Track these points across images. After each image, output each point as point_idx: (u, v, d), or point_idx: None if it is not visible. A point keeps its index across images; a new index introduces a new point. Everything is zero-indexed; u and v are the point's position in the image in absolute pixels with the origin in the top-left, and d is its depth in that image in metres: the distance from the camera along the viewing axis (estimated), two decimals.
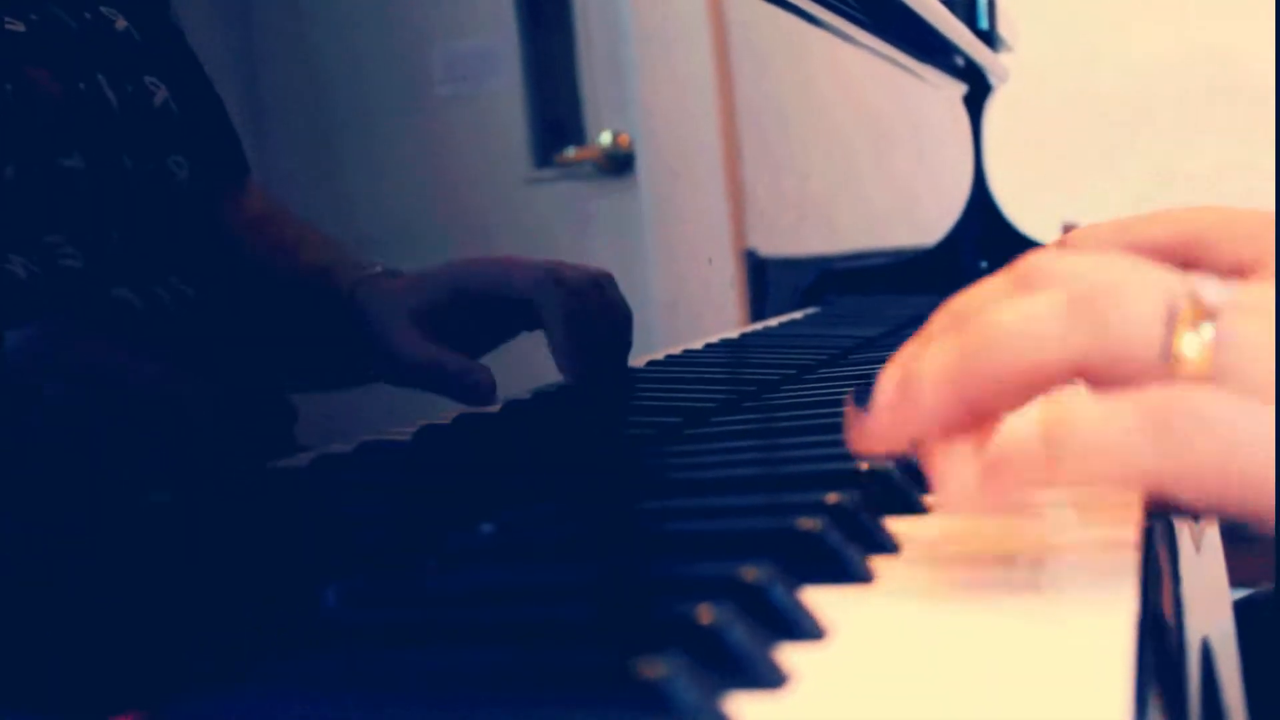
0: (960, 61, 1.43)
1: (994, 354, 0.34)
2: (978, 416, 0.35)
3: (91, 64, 0.41)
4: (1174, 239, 0.55)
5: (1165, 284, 0.34)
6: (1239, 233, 0.59)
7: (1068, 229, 2.07)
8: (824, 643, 0.31)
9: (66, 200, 0.39)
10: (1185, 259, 0.61)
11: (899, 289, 1.28)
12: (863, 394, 0.37)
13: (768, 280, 0.93)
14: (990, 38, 1.45)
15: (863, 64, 1.18)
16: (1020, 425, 0.34)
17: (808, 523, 0.37)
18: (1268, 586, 0.79)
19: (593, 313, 0.61)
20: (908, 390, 0.35)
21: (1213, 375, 0.32)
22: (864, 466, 0.45)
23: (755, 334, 0.88)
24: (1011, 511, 0.34)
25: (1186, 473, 0.32)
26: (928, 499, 0.45)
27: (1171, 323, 0.33)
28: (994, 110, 1.53)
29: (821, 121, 1.10)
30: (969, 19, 1.41)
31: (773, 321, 0.92)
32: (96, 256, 0.39)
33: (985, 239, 1.49)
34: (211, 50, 0.45)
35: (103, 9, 0.43)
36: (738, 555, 0.34)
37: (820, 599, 0.34)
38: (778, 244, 0.96)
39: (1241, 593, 0.79)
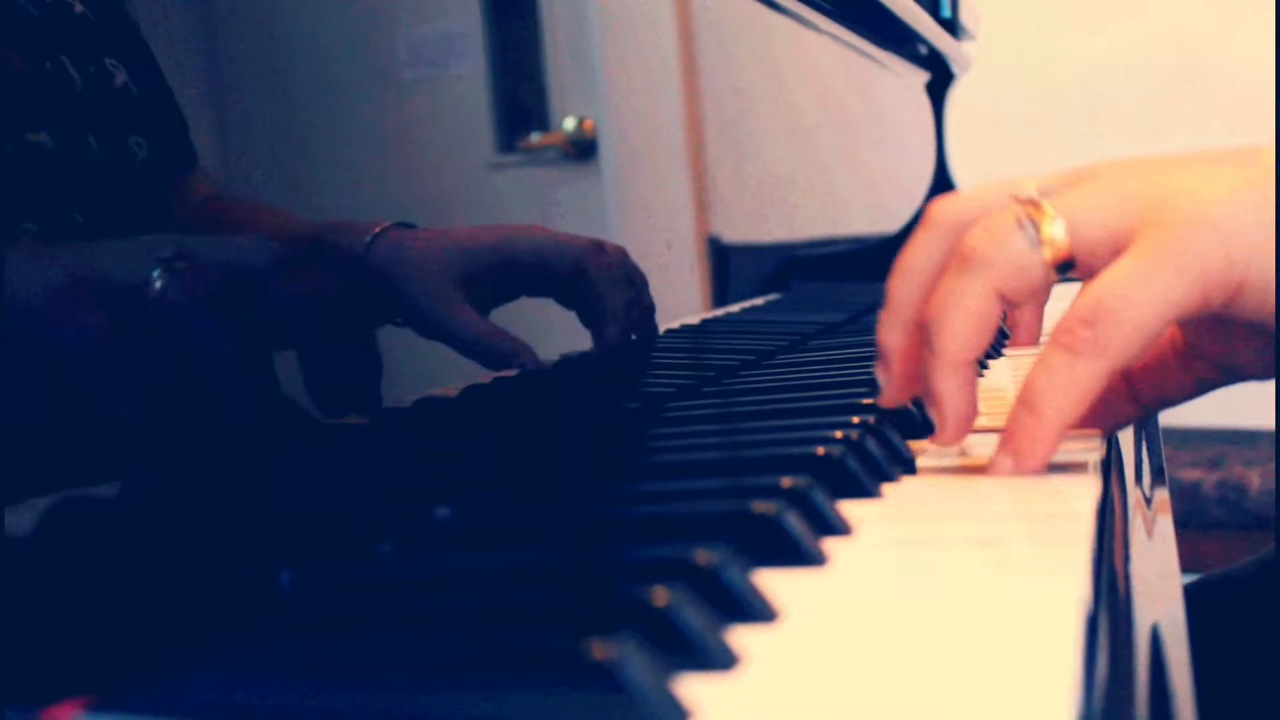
0: (923, 50, 1.43)
1: (940, 334, 0.47)
2: None
3: (54, 45, 0.42)
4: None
5: (1009, 203, 0.46)
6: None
7: None
8: (776, 624, 0.32)
9: (36, 178, 0.39)
10: None
11: (861, 275, 1.28)
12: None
13: (730, 266, 0.94)
14: (953, 26, 1.45)
15: (826, 51, 1.18)
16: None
17: (762, 506, 0.37)
18: (1218, 570, 0.80)
19: (630, 282, 0.66)
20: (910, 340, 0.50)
21: (1072, 233, 0.45)
22: (820, 451, 0.45)
23: (717, 320, 0.88)
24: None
25: (1108, 352, 0.43)
26: (883, 484, 0.45)
27: (1024, 224, 0.46)
28: (956, 98, 1.54)
29: (785, 109, 1.10)
30: (932, 7, 1.41)
31: (734, 307, 0.93)
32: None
33: None
34: (174, 35, 0.45)
35: None
36: (694, 538, 0.34)
37: (774, 581, 0.34)
38: (741, 230, 0.97)
39: (1191, 578, 0.80)
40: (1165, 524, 0.56)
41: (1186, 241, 0.43)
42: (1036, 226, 0.46)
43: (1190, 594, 0.66)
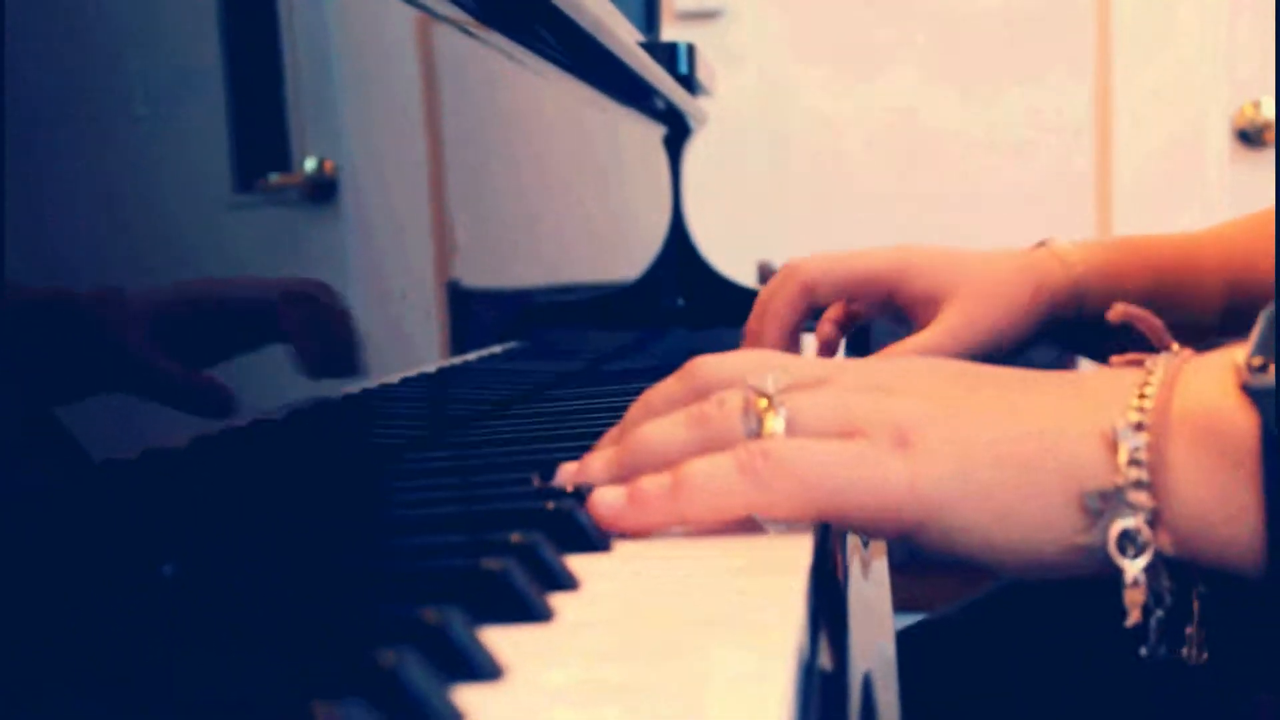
0: (660, 104, 1.47)
1: (642, 454, 0.49)
2: None
3: None
4: (879, 271, 0.81)
5: (745, 389, 0.49)
6: (932, 267, 0.81)
7: (763, 268, 2.13)
8: (500, 682, 0.32)
9: None
10: (889, 288, 0.79)
11: (601, 324, 1.30)
12: (548, 471, 0.53)
13: (471, 313, 0.94)
14: (690, 83, 1.49)
15: (566, 104, 1.20)
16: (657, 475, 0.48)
17: (492, 563, 0.38)
18: (941, 611, 0.84)
19: (324, 318, 0.66)
20: (583, 468, 0.51)
21: (789, 433, 0.47)
22: (550, 506, 0.46)
23: (453, 368, 0.88)
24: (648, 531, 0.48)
25: (770, 498, 0.45)
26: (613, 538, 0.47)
27: (749, 413, 0.48)
28: (693, 152, 1.58)
29: (527, 157, 1.11)
30: (669, 64, 1.45)
31: (472, 355, 0.93)
32: None
33: (683, 276, 1.54)
34: None
35: None
36: (426, 596, 0.34)
37: (501, 638, 0.35)
38: (482, 276, 0.97)
39: (911, 618, 0.84)
40: (880, 568, 0.58)
41: (881, 476, 0.45)
42: (760, 420, 0.48)
43: (902, 638, 0.69)
